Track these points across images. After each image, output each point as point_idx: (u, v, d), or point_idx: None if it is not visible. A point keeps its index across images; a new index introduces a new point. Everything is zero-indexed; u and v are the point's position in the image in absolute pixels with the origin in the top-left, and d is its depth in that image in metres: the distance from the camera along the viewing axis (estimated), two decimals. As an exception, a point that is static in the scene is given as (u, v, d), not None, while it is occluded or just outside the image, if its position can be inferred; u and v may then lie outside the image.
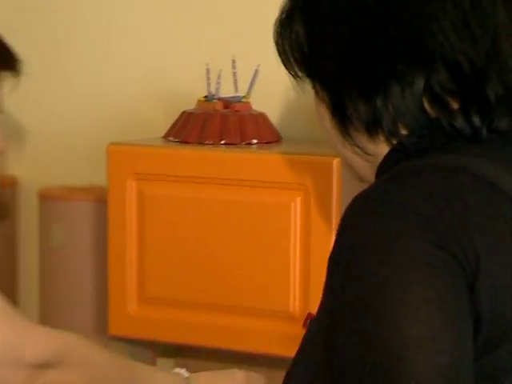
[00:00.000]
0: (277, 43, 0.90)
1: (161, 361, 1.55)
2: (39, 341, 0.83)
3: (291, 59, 0.90)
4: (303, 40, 0.89)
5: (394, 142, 0.81)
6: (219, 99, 1.45)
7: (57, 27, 1.72)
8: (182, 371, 1.01)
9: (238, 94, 1.46)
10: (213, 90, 1.44)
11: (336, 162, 1.32)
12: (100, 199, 1.51)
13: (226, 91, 1.45)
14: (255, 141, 1.46)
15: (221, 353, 1.44)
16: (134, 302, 1.43)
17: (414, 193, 0.73)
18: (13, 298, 1.86)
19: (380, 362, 0.68)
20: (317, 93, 0.86)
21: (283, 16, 0.89)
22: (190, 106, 1.46)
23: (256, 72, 1.43)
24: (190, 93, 1.49)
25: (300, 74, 0.89)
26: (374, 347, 0.68)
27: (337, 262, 0.74)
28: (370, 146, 0.83)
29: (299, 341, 0.81)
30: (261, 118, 1.47)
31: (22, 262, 1.76)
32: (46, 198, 1.57)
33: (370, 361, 0.68)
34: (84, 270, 1.51)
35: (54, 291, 1.56)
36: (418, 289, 0.68)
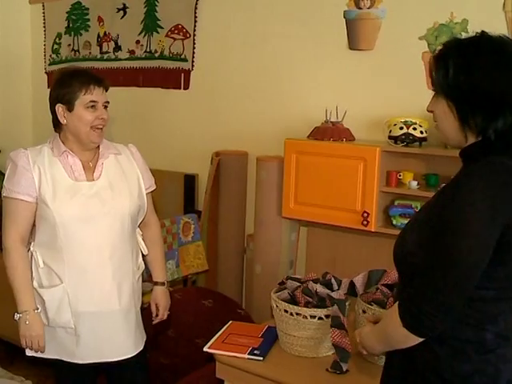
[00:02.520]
0: (432, 70, 1.57)
1: (302, 228, 3.69)
2: None
3: (439, 85, 1.57)
4: (451, 76, 1.53)
5: (479, 138, 1.55)
6: (331, 122, 3.51)
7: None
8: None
9: (338, 120, 3.51)
10: (328, 118, 3.51)
11: (378, 149, 3.18)
12: (280, 161, 3.59)
13: (332, 118, 3.53)
14: (344, 139, 3.44)
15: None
16: (292, 203, 3.51)
17: (493, 176, 1.47)
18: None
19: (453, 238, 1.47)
20: (447, 105, 1.55)
21: (439, 57, 1.55)
22: (318, 123, 3.54)
23: (345, 112, 3.47)
24: (318, 118, 3.56)
25: (439, 92, 1.57)
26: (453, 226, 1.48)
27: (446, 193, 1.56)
28: (468, 134, 1.58)
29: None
30: (347, 130, 3.50)
31: (248, 192, 3.96)
32: (259, 160, 3.70)
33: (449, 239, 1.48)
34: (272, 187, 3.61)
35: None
36: (483, 213, 1.46)
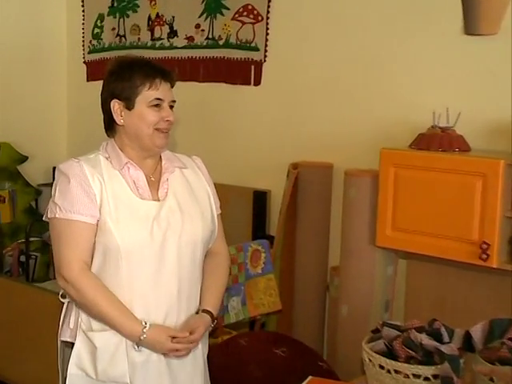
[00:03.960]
0: None
1: (401, 261, 3.69)
2: None
3: None
4: None
5: None
6: (439, 127, 3.50)
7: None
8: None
9: (448, 125, 3.49)
10: (436, 123, 3.51)
11: (501, 163, 3.05)
12: (374, 176, 3.58)
13: (442, 122, 3.51)
14: (457, 149, 3.36)
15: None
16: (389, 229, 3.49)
17: None
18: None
19: None
20: None
21: None
22: (424, 129, 3.52)
23: (458, 115, 3.45)
24: (424, 123, 3.51)
25: None
26: None
27: None
28: None
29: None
30: (460, 138, 3.46)
31: (332, 213, 3.99)
32: (348, 174, 3.71)
33: None
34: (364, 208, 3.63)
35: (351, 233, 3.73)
36: None
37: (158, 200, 2.50)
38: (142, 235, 2.42)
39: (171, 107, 2.53)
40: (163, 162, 2.60)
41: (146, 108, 2.47)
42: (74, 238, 2.42)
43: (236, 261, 3.78)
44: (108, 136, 2.59)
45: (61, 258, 2.44)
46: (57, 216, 2.43)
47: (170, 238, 2.46)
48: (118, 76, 2.50)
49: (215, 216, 2.66)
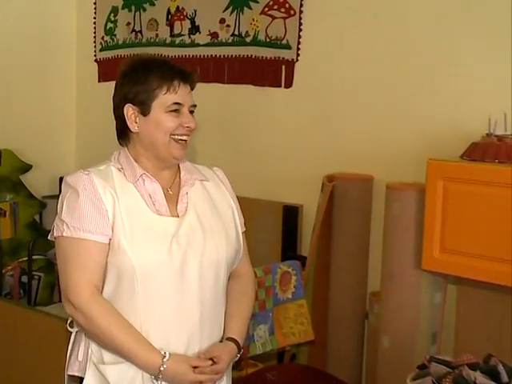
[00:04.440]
0: None
1: (450, 287, 3.65)
2: None
3: None
4: None
5: None
6: (495, 136, 3.45)
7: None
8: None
9: (506, 133, 3.44)
10: (492, 131, 3.45)
11: None
12: (420, 190, 3.56)
13: (499, 130, 3.46)
14: None
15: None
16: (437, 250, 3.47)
17: None
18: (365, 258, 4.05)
19: None
20: None
21: None
22: (477, 138, 3.48)
23: None
24: (477, 130, 3.48)
25: None
26: None
27: None
28: None
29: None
30: None
31: (372, 232, 3.97)
32: (390, 188, 3.70)
33: None
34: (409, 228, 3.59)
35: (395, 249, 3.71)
36: None
37: (177, 216, 2.50)
38: (160, 255, 2.41)
39: (191, 112, 2.53)
40: (182, 174, 2.60)
41: (164, 113, 2.47)
42: (84, 259, 2.41)
43: (263, 284, 3.76)
44: (120, 145, 2.59)
45: (68, 281, 2.42)
46: (64, 234, 2.42)
47: (190, 258, 2.45)
48: (132, 78, 2.50)
49: (240, 234, 2.66)
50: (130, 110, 2.48)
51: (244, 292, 2.71)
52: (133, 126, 2.49)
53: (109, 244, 2.42)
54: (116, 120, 2.56)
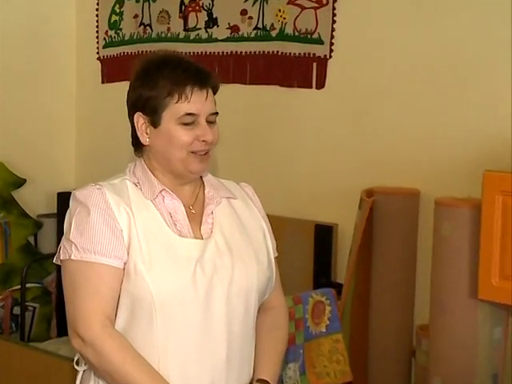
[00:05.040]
0: None
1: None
2: None
3: None
4: None
5: None
6: None
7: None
8: None
9: None
10: None
11: None
12: (475, 206, 3.55)
13: None
14: None
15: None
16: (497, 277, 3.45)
17: None
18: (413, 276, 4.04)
19: None
20: None
21: None
22: None
23: None
24: None
25: None
26: None
27: None
28: None
29: None
30: None
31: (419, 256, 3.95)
32: (439, 204, 3.69)
33: None
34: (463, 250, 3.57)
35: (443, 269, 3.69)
36: None
37: (201, 238, 2.48)
38: (183, 282, 2.39)
39: (210, 122, 2.48)
40: (206, 190, 2.58)
41: (175, 125, 2.43)
42: (95, 286, 2.38)
43: (293, 316, 3.70)
44: (136, 155, 2.57)
45: (77, 311, 2.39)
46: (72, 257, 2.40)
47: (217, 286, 2.43)
48: (144, 81, 2.47)
49: (272, 259, 2.63)
50: (140, 120, 2.46)
51: (277, 327, 2.70)
52: (144, 139, 2.47)
53: (123, 269, 2.40)
54: (132, 127, 2.53)
